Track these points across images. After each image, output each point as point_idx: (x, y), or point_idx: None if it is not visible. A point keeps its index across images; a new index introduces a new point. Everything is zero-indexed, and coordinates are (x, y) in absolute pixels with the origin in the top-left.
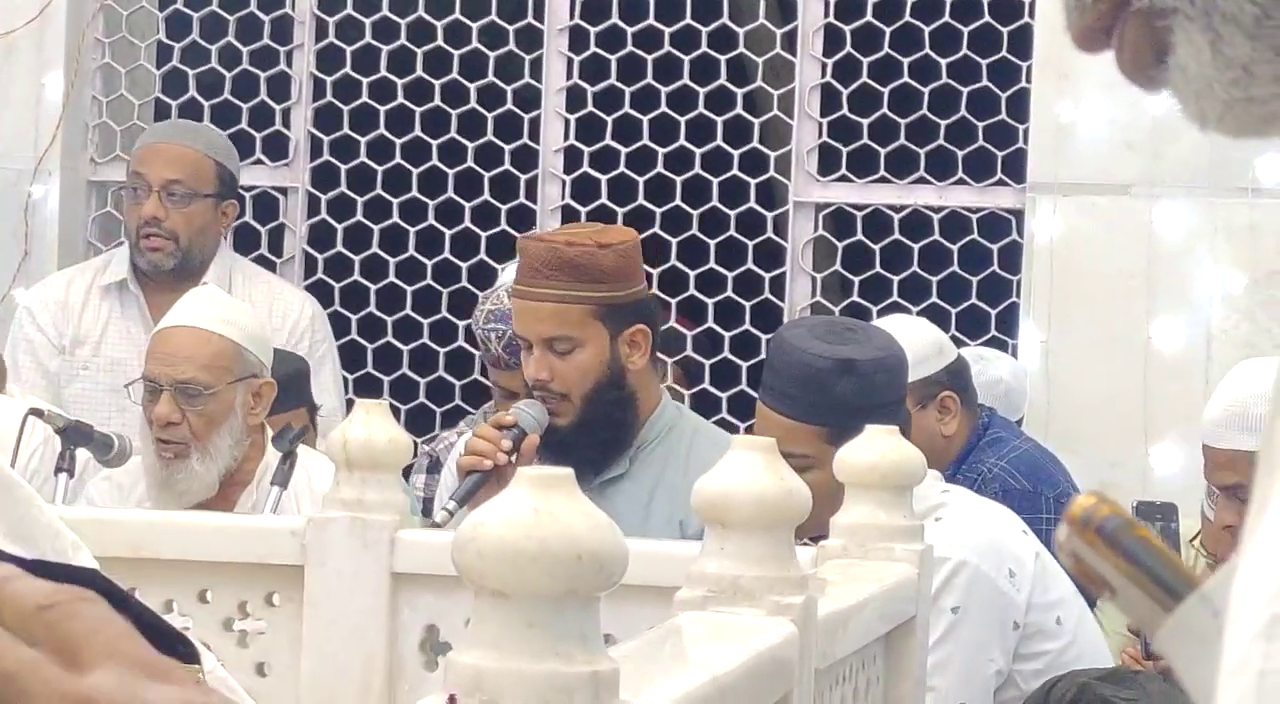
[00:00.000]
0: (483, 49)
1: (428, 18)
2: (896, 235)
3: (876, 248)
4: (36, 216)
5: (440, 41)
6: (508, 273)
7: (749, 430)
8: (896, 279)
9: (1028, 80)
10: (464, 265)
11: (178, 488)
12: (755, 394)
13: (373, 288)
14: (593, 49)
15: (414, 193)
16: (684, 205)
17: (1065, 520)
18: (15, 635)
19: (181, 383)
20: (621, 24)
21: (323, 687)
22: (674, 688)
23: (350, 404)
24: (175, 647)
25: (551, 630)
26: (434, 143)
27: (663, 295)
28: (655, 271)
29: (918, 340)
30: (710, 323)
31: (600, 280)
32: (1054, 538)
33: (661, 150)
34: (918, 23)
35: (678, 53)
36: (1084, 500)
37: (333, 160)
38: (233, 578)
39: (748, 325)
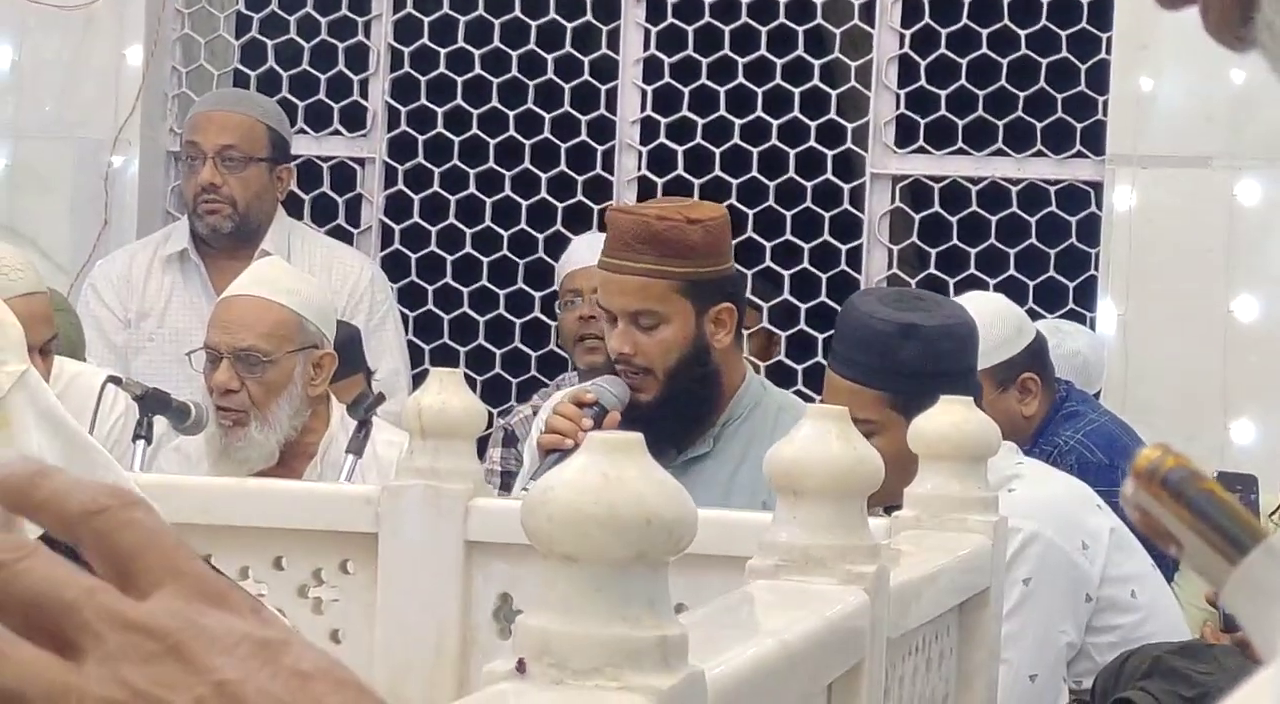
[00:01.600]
0: (560, 20)
1: None
2: (974, 207)
3: (954, 220)
4: (116, 186)
5: (518, 12)
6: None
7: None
8: (974, 251)
9: (1108, 51)
10: (540, 236)
11: (237, 455)
12: None
13: (449, 258)
14: (670, 20)
15: (491, 163)
16: (760, 177)
17: (1131, 473)
18: (58, 534)
19: (240, 351)
20: None
21: (396, 654)
22: (744, 655)
23: (423, 373)
24: None
25: (620, 595)
26: (511, 113)
27: (739, 267)
28: (732, 243)
29: (997, 323)
30: (786, 295)
31: (688, 256)
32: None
33: (738, 121)
34: None
35: (755, 23)
36: (1149, 452)
37: (410, 131)
38: (307, 545)
39: (824, 297)
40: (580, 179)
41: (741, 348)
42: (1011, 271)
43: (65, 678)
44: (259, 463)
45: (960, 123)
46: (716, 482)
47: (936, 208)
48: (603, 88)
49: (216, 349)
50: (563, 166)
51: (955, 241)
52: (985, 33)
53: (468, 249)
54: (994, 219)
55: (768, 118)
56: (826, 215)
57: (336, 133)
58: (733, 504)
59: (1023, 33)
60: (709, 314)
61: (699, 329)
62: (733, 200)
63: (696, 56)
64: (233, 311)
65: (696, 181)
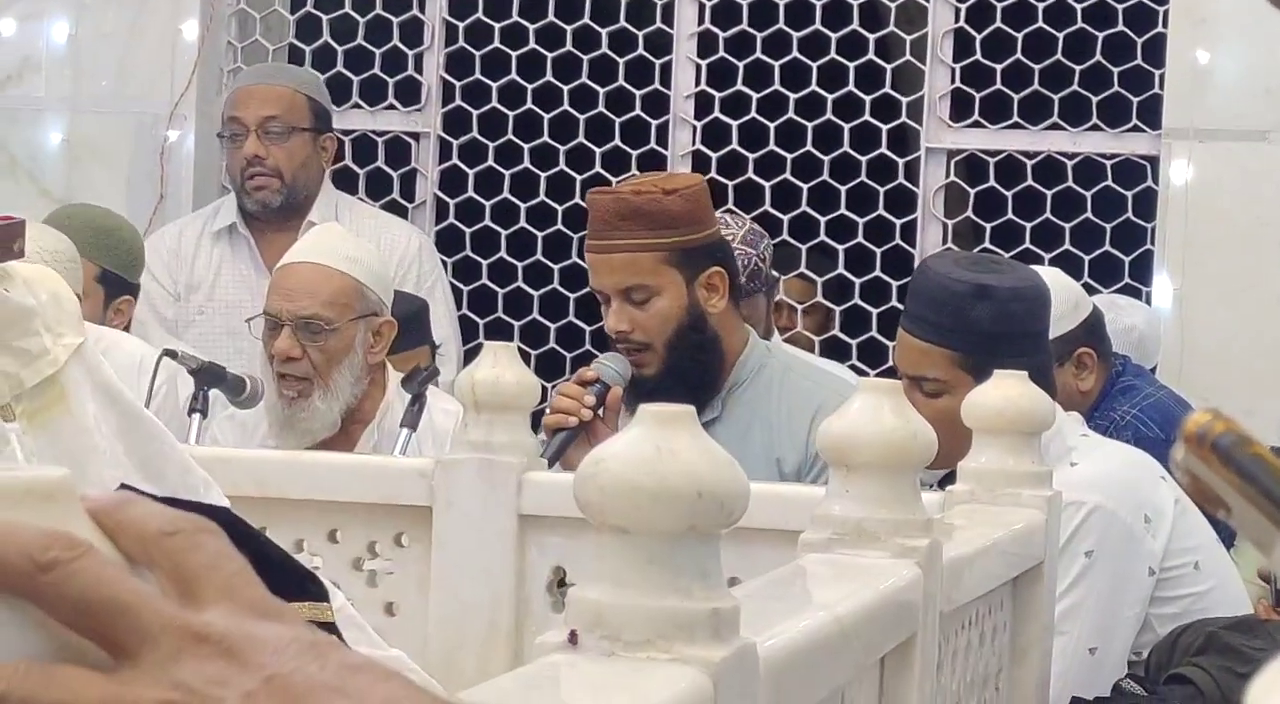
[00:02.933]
0: None
1: None
2: (1029, 182)
3: (1009, 194)
4: (172, 161)
5: None
6: None
7: (881, 376)
8: (1029, 226)
9: (1164, 25)
10: None
11: (300, 426)
12: (886, 341)
13: (504, 233)
14: None
15: (545, 138)
16: (815, 151)
17: (1181, 437)
18: (132, 558)
19: (303, 318)
20: None
21: (450, 627)
22: (796, 628)
23: (477, 348)
24: (305, 585)
25: (672, 567)
26: (565, 88)
27: (793, 241)
28: (785, 217)
29: (1054, 297)
30: (841, 269)
31: (670, 226)
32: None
33: (793, 96)
34: None
35: None
36: (1199, 416)
37: (464, 105)
38: (362, 518)
39: (878, 272)
40: (634, 154)
41: (738, 310)
42: (1067, 246)
43: (116, 690)
44: (321, 432)
45: (1016, 97)
46: (728, 445)
47: (992, 182)
48: (657, 62)
49: (278, 317)
50: (617, 141)
51: (1010, 216)
52: (1041, 6)
53: (522, 223)
54: (1049, 193)
55: (822, 92)
56: (881, 190)
57: (391, 107)
58: (747, 466)
59: (1079, 6)
60: (699, 280)
61: (692, 297)
62: (787, 175)
63: (751, 30)
64: (294, 279)
65: (750, 156)
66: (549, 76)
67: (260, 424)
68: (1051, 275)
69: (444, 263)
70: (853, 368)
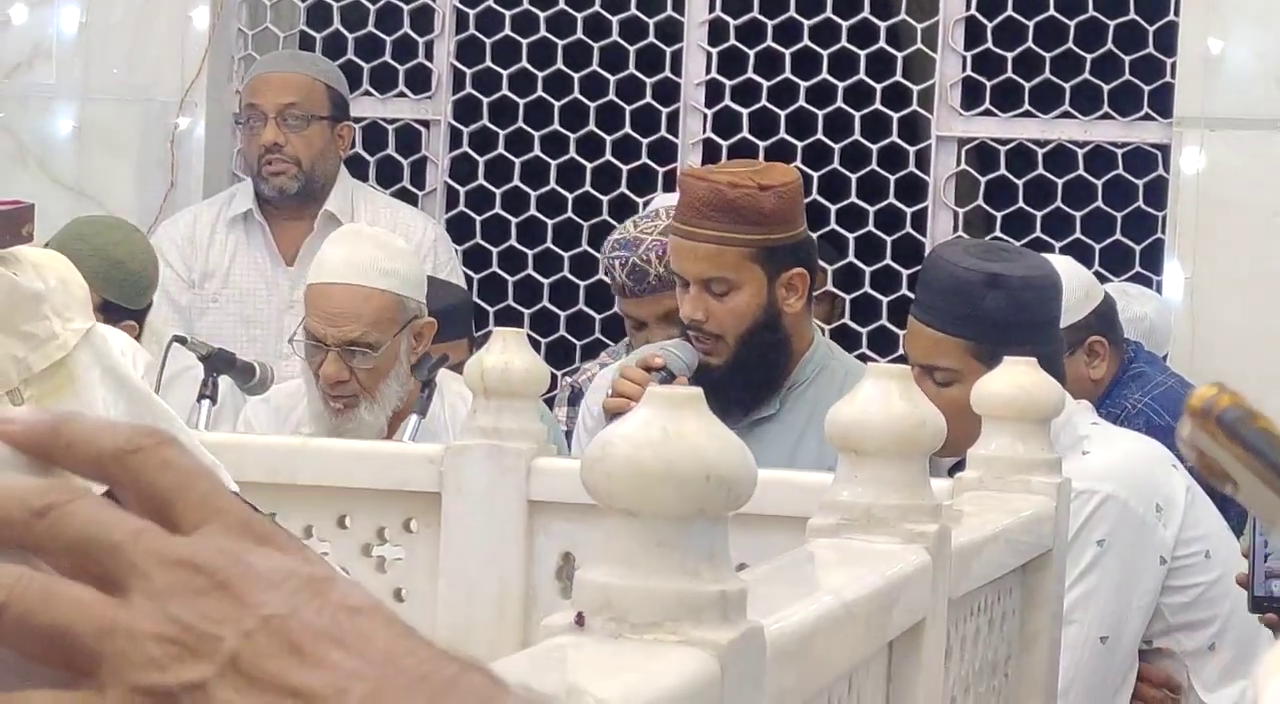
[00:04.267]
0: None
1: None
2: (1040, 170)
3: (1020, 183)
4: (182, 148)
5: None
6: (652, 208)
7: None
8: (1040, 215)
9: (1176, 13)
10: (605, 198)
11: (348, 435)
12: (896, 329)
13: (514, 221)
14: None
15: (555, 126)
16: (825, 139)
17: (1186, 411)
18: (90, 476)
19: (349, 343)
20: None
21: (459, 613)
22: (804, 611)
23: (488, 335)
24: None
25: (680, 549)
26: (576, 76)
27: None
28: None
29: (1065, 285)
30: (851, 257)
31: (760, 223)
32: (1177, 434)
33: (804, 83)
34: None
35: None
36: (1205, 391)
37: (475, 93)
38: (371, 504)
39: (888, 260)
40: (645, 141)
41: (811, 311)
42: (1078, 235)
43: (114, 613)
44: (370, 438)
45: (1027, 85)
46: (782, 444)
47: (1002, 170)
48: (668, 50)
49: (322, 341)
50: (627, 129)
51: (1021, 204)
52: None
53: (532, 211)
54: (1060, 182)
55: (833, 80)
56: (892, 178)
57: (401, 95)
58: (798, 467)
59: None
60: (781, 280)
61: (770, 296)
62: (797, 163)
63: (762, 18)
64: (334, 302)
65: (761, 144)
66: (559, 64)
67: (295, 408)
68: (1063, 264)
69: (455, 250)
70: (862, 357)
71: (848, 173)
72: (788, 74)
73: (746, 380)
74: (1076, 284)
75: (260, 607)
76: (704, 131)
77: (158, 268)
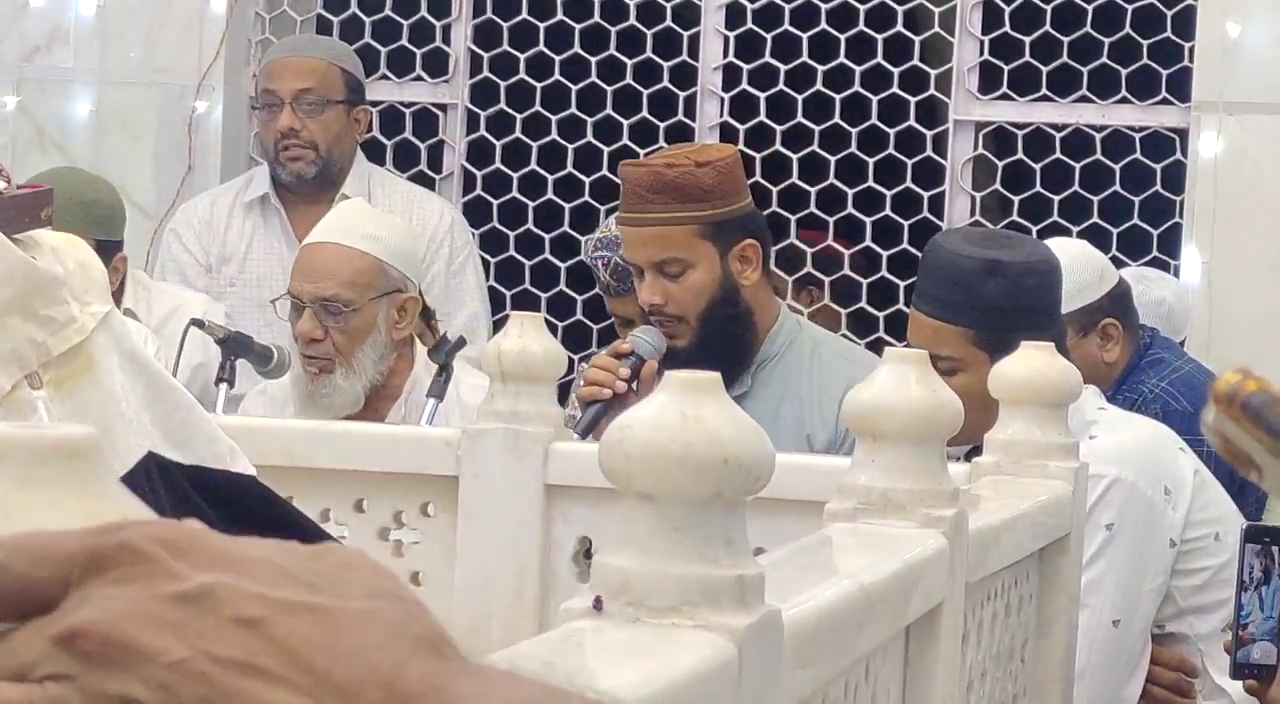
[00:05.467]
0: None
1: None
2: (1058, 155)
3: (1037, 167)
4: (200, 132)
5: None
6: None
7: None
8: (1057, 199)
9: None
10: None
11: (323, 402)
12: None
13: (531, 205)
14: None
15: (572, 109)
16: (843, 123)
17: (1211, 397)
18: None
19: (323, 300)
20: None
21: (476, 597)
22: (821, 596)
23: (505, 319)
24: None
25: (697, 534)
26: (593, 59)
27: (821, 214)
28: (813, 189)
29: (1078, 268)
30: (868, 242)
31: (702, 199)
32: (1201, 420)
33: (821, 67)
34: None
35: None
36: (1230, 376)
37: (492, 77)
38: (388, 488)
39: (906, 244)
40: (662, 125)
41: (770, 284)
42: (1095, 219)
43: (80, 540)
44: (345, 408)
45: (1044, 69)
46: (758, 419)
47: (1020, 155)
48: (685, 34)
49: (299, 298)
50: (644, 113)
51: (1038, 189)
52: None
53: (549, 195)
54: (1078, 166)
55: (850, 64)
56: (909, 162)
57: (419, 79)
58: (777, 440)
59: None
60: (733, 253)
61: (725, 270)
62: (815, 147)
63: (779, 2)
64: (314, 260)
65: (778, 128)
66: (577, 48)
67: (290, 399)
68: (1076, 246)
69: (472, 234)
70: (879, 341)
71: (865, 157)
72: (805, 58)
73: (714, 358)
74: (1090, 266)
75: (161, 655)
76: (721, 115)
77: (122, 200)
